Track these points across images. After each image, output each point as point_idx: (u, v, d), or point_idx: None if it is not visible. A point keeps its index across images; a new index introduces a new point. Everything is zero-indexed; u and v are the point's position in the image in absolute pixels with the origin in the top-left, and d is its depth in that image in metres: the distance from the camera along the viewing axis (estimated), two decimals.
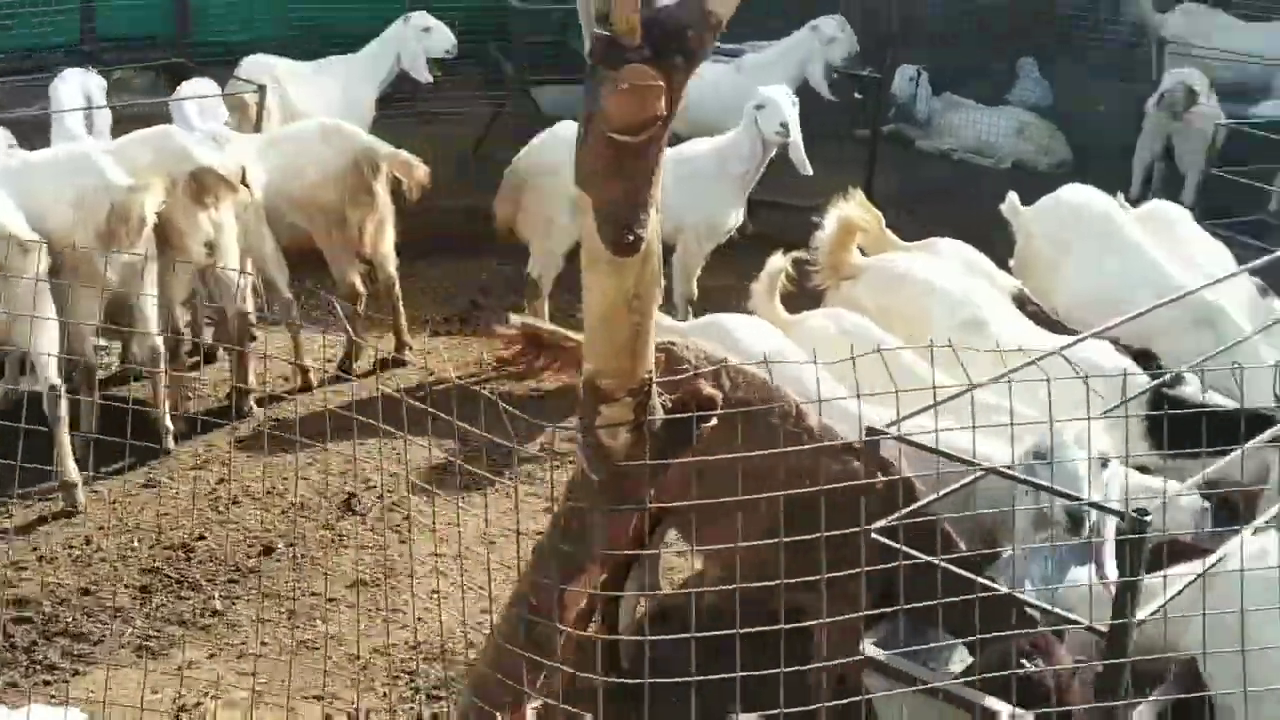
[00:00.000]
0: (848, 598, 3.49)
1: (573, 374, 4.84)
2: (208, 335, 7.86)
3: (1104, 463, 4.28)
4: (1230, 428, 4.53)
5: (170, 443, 6.76)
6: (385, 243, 7.77)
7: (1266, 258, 5.81)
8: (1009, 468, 4.20)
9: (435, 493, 6.43)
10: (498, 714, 2.93)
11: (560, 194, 7.79)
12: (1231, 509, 5.04)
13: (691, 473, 4.34)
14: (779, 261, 5.63)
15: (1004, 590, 3.90)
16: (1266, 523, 4.19)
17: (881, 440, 4.03)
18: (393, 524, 6.25)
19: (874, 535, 3.71)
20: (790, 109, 7.72)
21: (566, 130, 7.97)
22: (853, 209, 5.90)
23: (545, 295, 8.01)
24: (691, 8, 2.73)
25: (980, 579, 3.66)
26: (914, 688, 3.91)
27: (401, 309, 7.96)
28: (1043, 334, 5.59)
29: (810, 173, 7.90)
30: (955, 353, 3.63)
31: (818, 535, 3.15)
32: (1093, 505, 3.98)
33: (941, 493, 4.11)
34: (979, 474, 4.14)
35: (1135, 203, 9.61)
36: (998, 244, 7.41)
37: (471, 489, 6.47)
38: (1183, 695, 3.99)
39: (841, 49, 10.26)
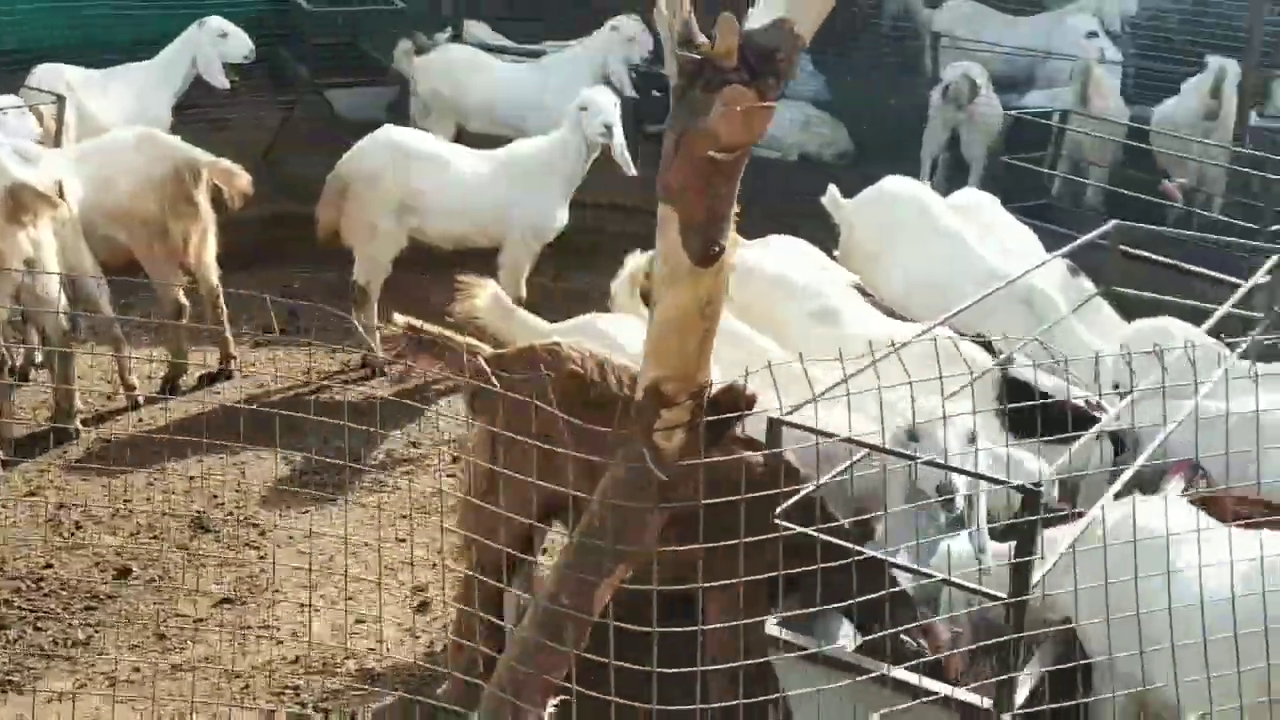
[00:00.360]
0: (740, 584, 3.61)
1: (455, 374, 4.92)
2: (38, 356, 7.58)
3: (971, 439, 4.51)
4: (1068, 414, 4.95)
5: None
6: (208, 253, 7.61)
7: (1082, 239, 6.22)
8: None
9: (288, 507, 6.39)
10: (533, 711, 3.00)
11: (383, 200, 7.79)
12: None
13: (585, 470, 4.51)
14: (639, 260, 5.75)
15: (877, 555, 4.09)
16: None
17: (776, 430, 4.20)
18: (248, 540, 6.15)
19: (777, 520, 3.86)
20: (613, 110, 7.86)
21: (388, 136, 7.96)
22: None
23: (374, 301, 7.96)
24: (782, 31, 2.88)
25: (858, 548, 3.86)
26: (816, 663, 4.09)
27: (226, 321, 7.80)
28: (892, 323, 5.87)
29: (635, 173, 8.05)
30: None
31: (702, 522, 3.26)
32: (960, 471, 4.19)
33: (829, 476, 4.31)
34: (860, 455, 4.34)
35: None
36: (801, 235, 7.79)
37: (324, 501, 6.44)
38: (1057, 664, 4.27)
39: (642, 48, 10.44)
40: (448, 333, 4.94)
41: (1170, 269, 6.86)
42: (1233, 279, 6.26)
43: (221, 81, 9.51)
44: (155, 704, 4.82)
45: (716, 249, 2.99)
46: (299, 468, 6.69)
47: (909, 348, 5.46)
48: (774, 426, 4.05)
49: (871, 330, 5.67)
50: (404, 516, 6.04)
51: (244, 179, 7.46)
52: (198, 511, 6.28)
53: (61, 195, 6.65)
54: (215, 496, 6.45)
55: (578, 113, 7.87)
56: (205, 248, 7.57)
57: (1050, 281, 6.48)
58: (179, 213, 7.36)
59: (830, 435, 4.08)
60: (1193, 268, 6.83)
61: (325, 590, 5.71)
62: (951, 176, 10.90)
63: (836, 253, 7.07)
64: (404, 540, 5.88)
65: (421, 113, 10.51)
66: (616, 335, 5.26)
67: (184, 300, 7.54)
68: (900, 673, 3.88)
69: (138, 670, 5.20)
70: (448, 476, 6.68)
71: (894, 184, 7.13)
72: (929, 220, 6.84)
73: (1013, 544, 3.90)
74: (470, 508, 4.74)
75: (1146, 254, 6.73)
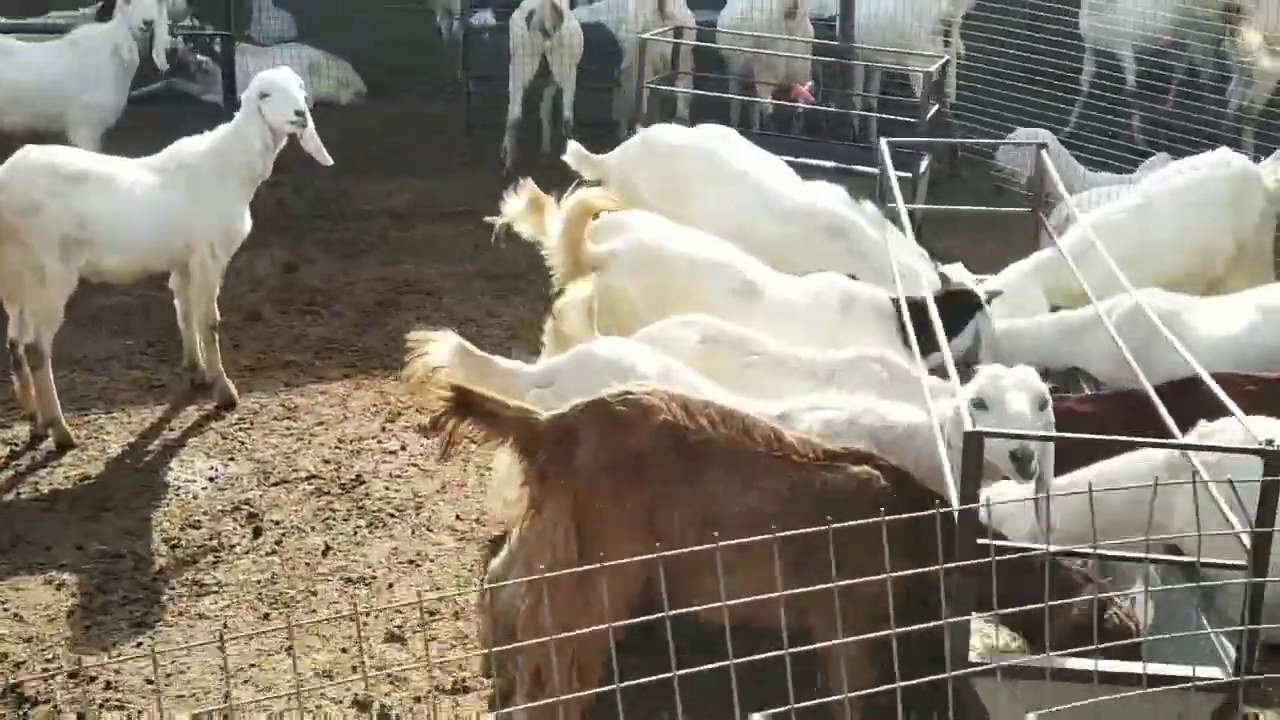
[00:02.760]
0: (863, 616, 3.29)
1: (500, 443, 4.08)
2: None
3: (1042, 404, 4.31)
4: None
5: None
6: None
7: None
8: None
9: None
10: None
11: (47, 235, 6.29)
12: None
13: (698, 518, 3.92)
14: (586, 287, 4.92)
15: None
16: None
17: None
18: None
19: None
20: (302, 95, 6.76)
21: (34, 158, 6.39)
22: (591, 193, 5.33)
23: (49, 360, 6.43)
24: None
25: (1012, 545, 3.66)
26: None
27: None
28: (797, 281, 5.55)
29: (331, 163, 7.03)
30: None
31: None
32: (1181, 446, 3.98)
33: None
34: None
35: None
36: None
37: None
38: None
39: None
40: (498, 395, 4.08)
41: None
42: None
43: None
44: None
45: None
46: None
47: (798, 299, 5.34)
48: (973, 440, 3.64)
49: (790, 296, 5.39)
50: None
51: None
52: None
53: None
54: None
55: (257, 100, 6.69)
56: None
57: (854, 210, 6.43)
58: None
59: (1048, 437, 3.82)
60: None
61: None
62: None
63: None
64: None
65: None
66: (626, 361, 4.51)
67: None
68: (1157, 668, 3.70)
69: None
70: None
71: (663, 132, 6.73)
72: (716, 164, 6.52)
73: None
74: (560, 611, 3.95)
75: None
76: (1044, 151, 6.42)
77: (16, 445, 6.54)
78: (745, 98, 10.03)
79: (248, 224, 6.90)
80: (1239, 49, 10.02)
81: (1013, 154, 9.05)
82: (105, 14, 9.49)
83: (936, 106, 8.53)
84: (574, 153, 6.70)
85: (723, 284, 5.29)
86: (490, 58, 11.15)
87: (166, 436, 6.66)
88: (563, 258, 5.28)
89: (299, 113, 6.68)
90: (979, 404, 4.08)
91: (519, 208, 5.78)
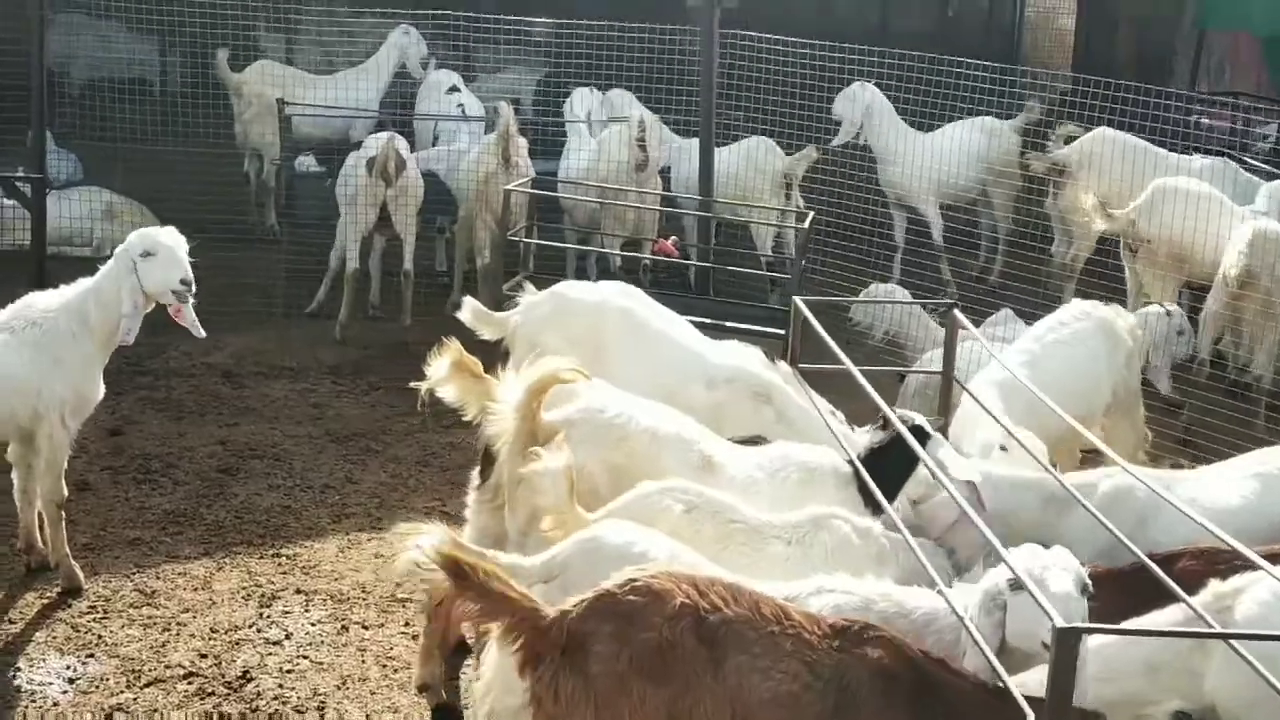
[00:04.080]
0: None
1: (498, 624, 3.62)
2: None
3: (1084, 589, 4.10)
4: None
5: None
6: None
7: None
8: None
9: None
10: None
11: None
12: None
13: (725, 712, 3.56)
14: (562, 458, 4.43)
15: None
16: None
17: None
18: None
19: None
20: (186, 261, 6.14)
21: None
22: (554, 362, 4.85)
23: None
24: None
25: None
26: None
27: None
28: (750, 453, 5.21)
29: (204, 334, 6.43)
30: None
31: None
32: None
33: None
34: None
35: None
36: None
37: None
38: None
39: None
40: (496, 568, 3.61)
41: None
42: None
43: None
44: None
45: None
46: None
47: (756, 474, 5.06)
48: (1071, 636, 3.35)
49: (738, 464, 5.06)
50: None
51: None
52: None
53: None
54: None
55: (135, 258, 6.01)
56: None
57: (775, 373, 6.18)
58: None
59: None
60: None
61: None
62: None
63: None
64: None
65: None
66: (643, 549, 4.01)
67: None
68: None
69: None
70: None
71: (577, 290, 6.36)
72: (636, 325, 6.18)
73: None
74: None
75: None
76: (956, 313, 6.31)
77: None
78: (622, 252, 9.77)
79: (101, 390, 6.19)
80: (1065, 208, 10.34)
81: (867, 307, 9.00)
82: None
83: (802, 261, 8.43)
84: (471, 309, 6.29)
85: (683, 459, 4.91)
86: (310, 204, 10.65)
87: (6, 630, 5.83)
88: (514, 426, 4.79)
89: (184, 281, 6.04)
90: (1015, 585, 3.83)
91: (443, 371, 5.29)
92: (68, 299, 6.07)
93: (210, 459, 7.74)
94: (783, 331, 8.18)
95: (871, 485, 4.90)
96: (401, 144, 9.58)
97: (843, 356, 5.79)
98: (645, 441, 4.90)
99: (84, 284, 6.12)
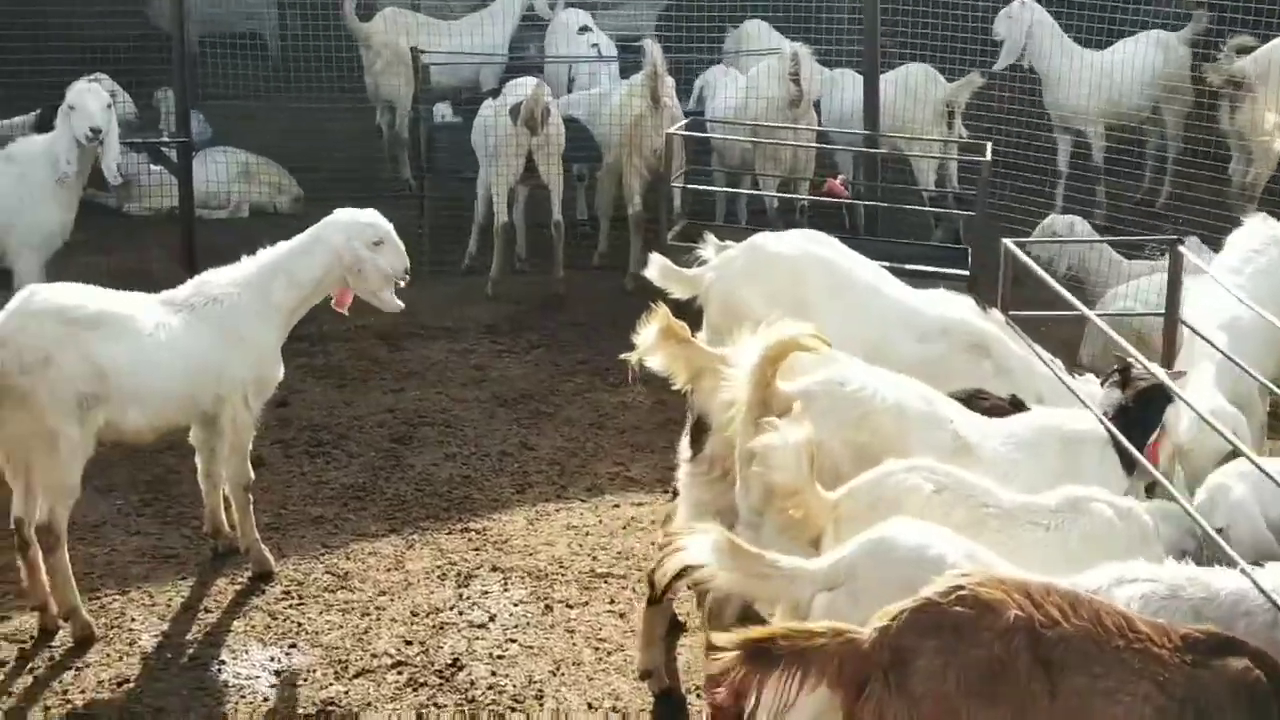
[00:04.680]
0: None
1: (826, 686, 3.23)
2: None
3: None
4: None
5: None
6: None
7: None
8: None
9: None
10: None
11: (61, 392, 5.27)
12: None
13: None
14: (800, 431, 4.05)
15: None
16: None
17: None
18: None
19: None
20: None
21: (42, 301, 5.36)
22: (795, 329, 4.46)
23: (64, 541, 5.38)
24: None
25: None
26: None
27: None
28: (999, 425, 4.79)
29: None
30: None
31: None
32: None
33: None
34: None
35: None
36: None
37: None
38: None
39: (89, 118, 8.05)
40: (795, 626, 3.25)
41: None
42: None
43: None
44: None
45: None
46: None
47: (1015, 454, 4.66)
48: None
49: (998, 446, 4.64)
50: None
51: None
52: None
53: None
54: None
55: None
56: None
57: (990, 322, 5.77)
58: None
59: None
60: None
61: None
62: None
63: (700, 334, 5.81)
64: None
65: None
66: (940, 551, 3.62)
67: None
68: None
69: None
70: None
71: (775, 242, 5.97)
72: (839, 277, 5.80)
73: None
74: None
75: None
76: (1183, 249, 5.86)
77: (24, 642, 5.44)
78: (780, 194, 9.36)
79: (281, 369, 5.96)
80: (1243, 126, 9.73)
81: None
82: (44, 124, 8.43)
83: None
84: (660, 267, 5.93)
85: (933, 439, 4.48)
86: (446, 155, 10.34)
87: (203, 620, 5.64)
88: (748, 395, 4.42)
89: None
90: None
91: (651, 338, 4.91)
92: (249, 275, 5.82)
93: (381, 428, 7.51)
94: (964, 272, 7.78)
95: (1130, 449, 4.54)
96: (546, 89, 9.19)
97: (1075, 302, 5.40)
98: (891, 419, 4.49)
99: (268, 259, 5.86)
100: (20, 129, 8.62)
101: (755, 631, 3.22)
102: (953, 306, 5.80)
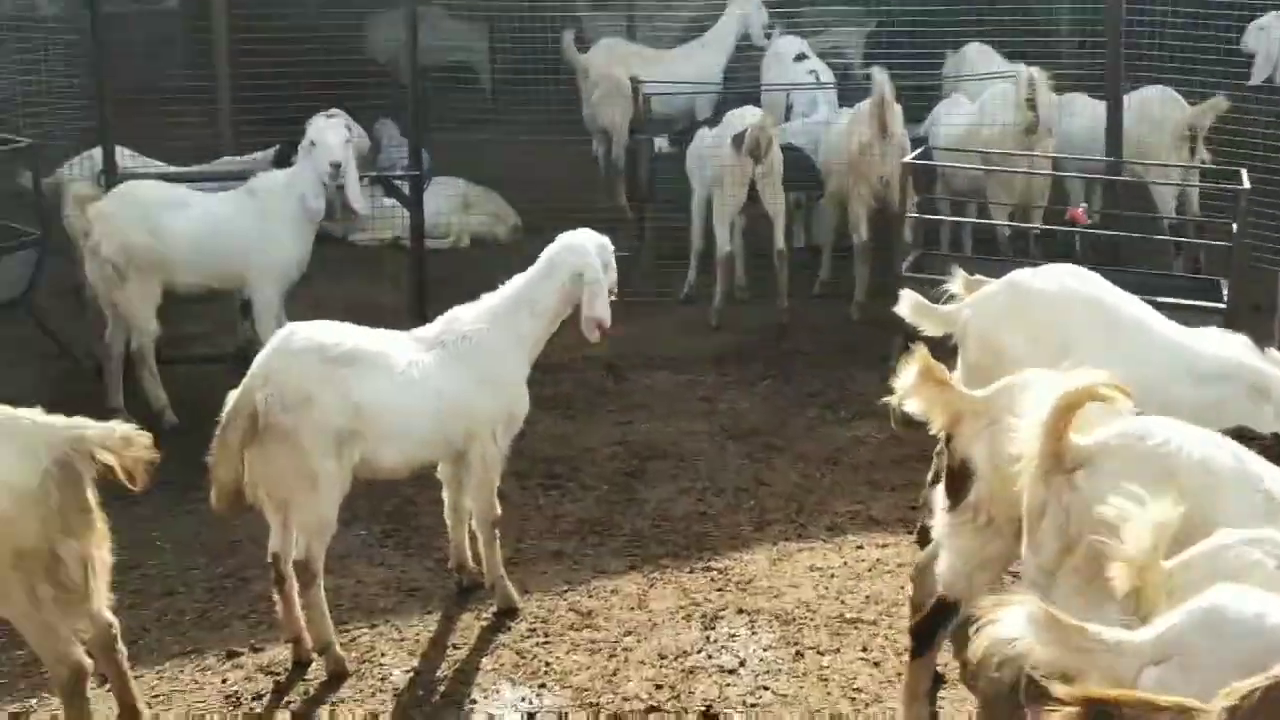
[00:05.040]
0: None
1: None
2: None
3: None
4: None
5: None
6: (104, 577, 4.76)
7: None
8: None
9: None
10: None
11: (322, 429, 5.32)
12: None
13: None
14: (1168, 510, 3.72)
15: None
16: None
17: None
18: None
19: None
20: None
21: (304, 338, 5.44)
22: (1095, 376, 4.22)
23: (320, 577, 5.44)
24: None
25: None
26: None
27: (128, 669, 4.99)
28: None
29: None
30: None
31: None
32: None
33: None
34: None
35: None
36: None
37: None
38: None
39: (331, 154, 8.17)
40: (1141, 695, 3.04)
41: None
42: None
43: None
44: None
45: None
46: None
47: None
48: None
49: None
50: None
51: (143, 443, 4.71)
52: None
53: None
54: None
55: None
56: (102, 570, 4.73)
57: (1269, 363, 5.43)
58: (72, 528, 4.52)
59: None
60: None
61: None
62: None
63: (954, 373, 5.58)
64: None
65: (111, 279, 7.69)
66: (1276, 621, 3.38)
67: (86, 660, 4.68)
68: None
69: None
70: None
71: (1035, 279, 5.73)
72: (1108, 316, 5.53)
73: None
74: None
75: None
76: None
77: (278, 674, 5.51)
78: (1015, 224, 9.09)
79: (527, 403, 5.94)
80: None
81: None
82: (283, 159, 8.63)
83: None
84: (912, 304, 5.74)
85: (1246, 502, 4.16)
86: (663, 185, 10.30)
87: (452, 656, 5.63)
88: (1040, 447, 4.19)
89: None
90: None
91: (911, 380, 4.72)
92: (496, 309, 5.82)
93: (612, 460, 7.47)
94: (1219, 305, 7.41)
95: None
96: (767, 118, 9.09)
97: None
98: (1198, 478, 4.15)
99: (511, 292, 5.86)
100: (261, 164, 8.80)
101: (1097, 692, 3.03)
102: (1228, 345, 5.49)
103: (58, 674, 4.61)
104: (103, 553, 4.68)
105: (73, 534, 4.51)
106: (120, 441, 4.62)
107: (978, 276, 6.03)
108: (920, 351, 4.74)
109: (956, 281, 5.99)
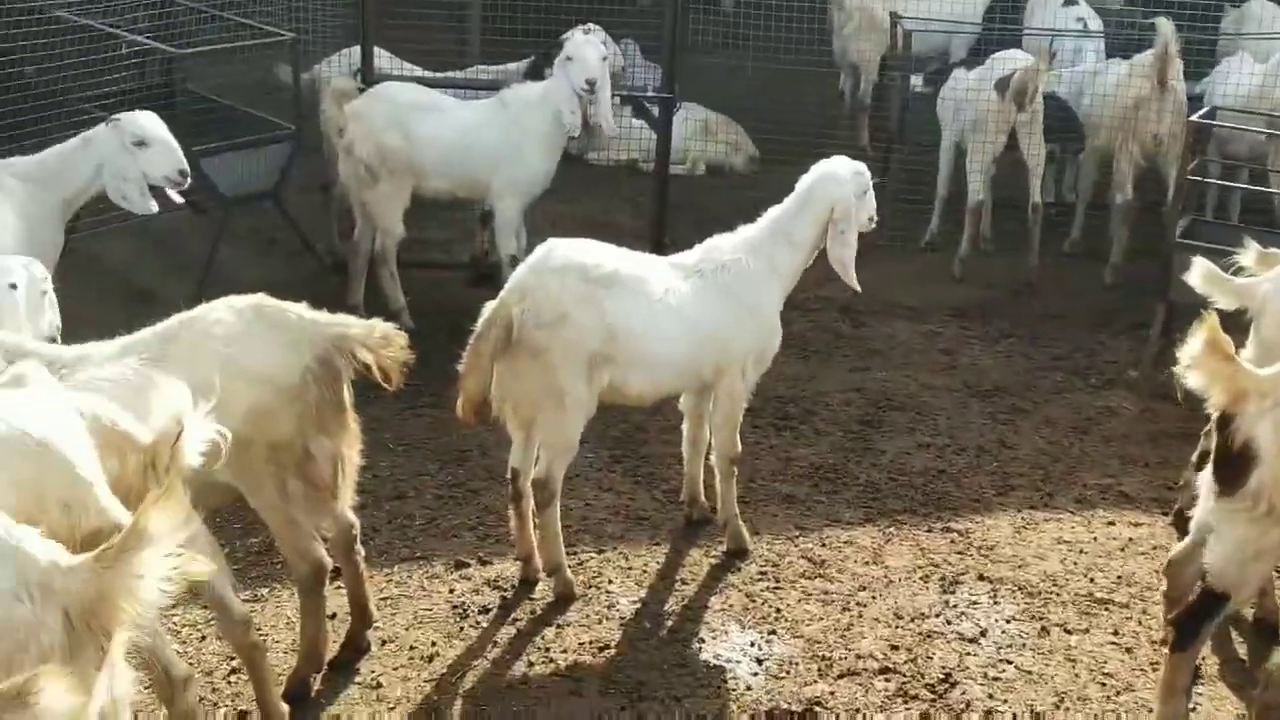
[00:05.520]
0: None
1: None
2: None
3: None
4: None
5: None
6: (351, 479, 4.74)
7: None
8: None
9: None
10: None
11: (575, 349, 5.19)
12: None
13: None
14: None
15: None
16: None
17: None
18: None
19: None
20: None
21: (562, 251, 5.31)
22: None
23: (558, 498, 5.35)
24: None
25: None
26: None
27: (364, 570, 4.99)
28: None
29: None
30: None
31: None
32: None
33: None
34: None
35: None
36: None
37: None
38: None
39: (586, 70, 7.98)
40: None
41: None
42: None
43: (145, 206, 6.44)
44: None
45: None
46: None
47: None
48: None
49: None
50: None
51: (400, 343, 4.66)
52: None
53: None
54: None
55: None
56: (351, 471, 4.71)
57: None
58: (327, 426, 4.49)
59: None
60: None
61: None
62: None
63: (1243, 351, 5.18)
64: None
65: (363, 179, 7.70)
66: None
67: (327, 559, 4.68)
68: None
69: None
70: None
71: None
72: None
73: None
74: None
75: None
76: None
77: (505, 590, 5.45)
78: None
79: (779, 338, 5.73)
80: None
81: None
82: (536, 72, 8.53)
83: None
84: (1205, 273, 5.32)
85: None
86: (917, 126, 9.90)
87: (679, 592, 5.50)
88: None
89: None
90: None
91: (1197, 351, 4.35)
92: (754, 240, 5.61)
93: (847, 407, 7.23)
94: None
95: None
96: (1042, 65, 8.62)
97: None
98: None
99: (767, 223, 5.65)
100: (513, 75, 8.71)
101: None
102: None
103: (298, 569, 4.61)
104: (353, 453, 4.67)
105: (326, 432, 4.49)
106: (380, 340, 4.59)
107: (1274, 250, 5.59)
108: (1210, 321, 4.38)
109: (1249, 254, 5.56)
